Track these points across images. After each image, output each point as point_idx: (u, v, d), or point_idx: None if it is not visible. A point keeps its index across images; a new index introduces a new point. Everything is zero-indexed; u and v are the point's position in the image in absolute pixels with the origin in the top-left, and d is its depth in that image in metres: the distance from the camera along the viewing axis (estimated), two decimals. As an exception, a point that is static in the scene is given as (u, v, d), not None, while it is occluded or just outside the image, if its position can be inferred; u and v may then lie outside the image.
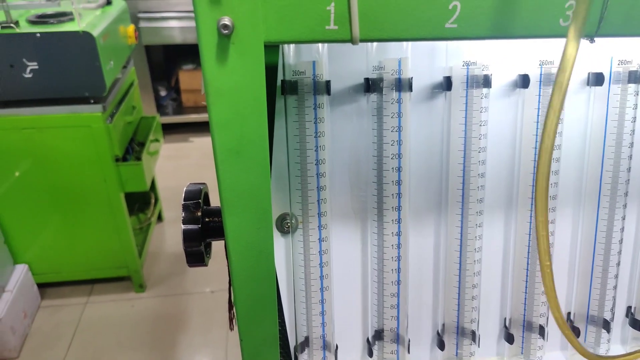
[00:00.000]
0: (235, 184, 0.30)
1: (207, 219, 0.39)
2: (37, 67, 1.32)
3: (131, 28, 1.65)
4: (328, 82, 0.36)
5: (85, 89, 1.37)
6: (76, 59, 1.33)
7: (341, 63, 0.37)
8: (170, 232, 2.00)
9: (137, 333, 1.55)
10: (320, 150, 0.36)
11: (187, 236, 0.37)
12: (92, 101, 1.39)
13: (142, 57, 2.36)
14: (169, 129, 2.52)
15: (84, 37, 1.30)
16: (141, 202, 1.91)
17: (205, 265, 0.41)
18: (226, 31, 0.25)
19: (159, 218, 2.01)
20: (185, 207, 0.37)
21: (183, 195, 0.39)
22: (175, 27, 2.26)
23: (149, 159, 1.64)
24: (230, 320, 0.47)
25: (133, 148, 1.64)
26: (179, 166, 2.32)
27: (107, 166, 1.45)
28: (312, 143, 0.36)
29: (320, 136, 0.36)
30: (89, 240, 1.57)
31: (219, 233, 0.40)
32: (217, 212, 0.41)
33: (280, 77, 0.35)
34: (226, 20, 0.25)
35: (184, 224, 0.37)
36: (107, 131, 1.40)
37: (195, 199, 0.38)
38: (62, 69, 1.33)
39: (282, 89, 0.36)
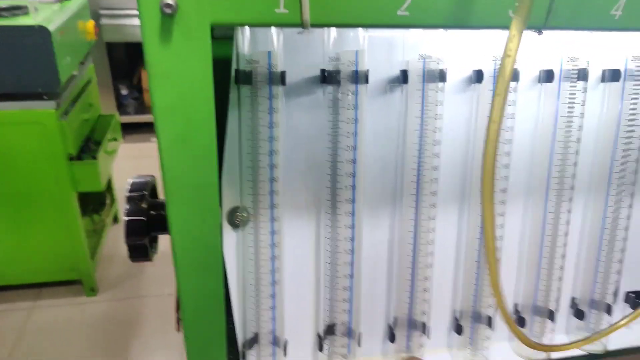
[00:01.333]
0: (180, 174, 0.29)
1: (152, 212, 0.38)
2: (-13, 60, 1.25)
3: (90, 24, 1.60)
4: (283, 73, 0.35)
5: (39, 84, 1.31)
6: (30, 54, 1.27)
7: (297, 54, 0.36)
8: (127, 234, 1.94)
9: (87, 338, 1.48)
10: (273, 141, 0.35)
11: (131, 229, 0.36)
12: (45, 97, 1.33)
13: (103, 54, 2.28)
14: (130, 129, 2.45)
15: (39, 32, 1.24)
16: (96, 202, 1.84)
17: (150, 260, 0.39)
18: (169, 10, 0.24)
19: (115, 220, 1.94)
20: (129, 199, 0.36)
21: (128, 187, 0.37)
22: (138, 25, 2.20)
23: (105, 158, 1.58)
24: (178, 320, 0.45)
25: (89, 147, 1.58)
26: (139, 166, 2.26)
27: (60, 165, 1.39)
28: (265, 134, 0.35)
29: (274, 127, 0.35)
30: (37, 241, 1.49)
31: (165, 227, 0.39)
32: (164, 205, 0.39)
33: (234, 66, 0.34)
34: (169, 0, 0.24)
35: (126, 216, 0.36)
36: (60, 128, 1.34)
37: (141, 191, 0.37)
38: (15, 64, 1.27)
39: (235, 78, 0.35)
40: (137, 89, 2.55)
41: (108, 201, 1.83)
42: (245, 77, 0.34)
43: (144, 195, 0.36)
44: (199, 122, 0.27)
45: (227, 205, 0.37)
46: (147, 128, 2.51)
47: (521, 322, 0.43)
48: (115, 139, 1.72)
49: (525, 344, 0.32)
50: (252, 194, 0.36)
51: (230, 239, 0.38)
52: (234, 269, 0.38)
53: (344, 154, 0.36)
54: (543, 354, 0.43)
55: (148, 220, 0.36)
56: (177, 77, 0.26)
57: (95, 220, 1.80)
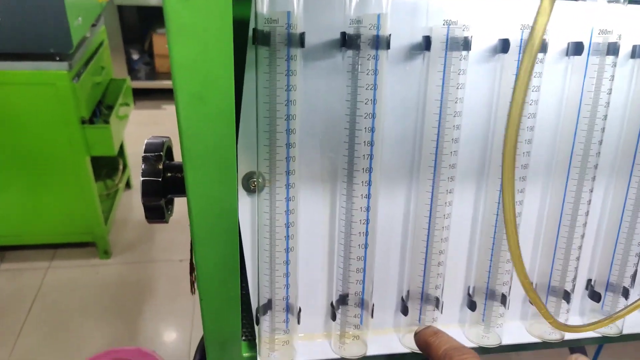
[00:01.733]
0: (197, 133, 0.28)
1: (169, 174, 0.37)
2: (0, 19, 1.24)
3: (102, -16, 1.57)
4: (302, 34, 0.34)
5: (51, 45, 1.30)
6: (42, 13, 1.26)
7: (317, 16, 0.35)
8: (138, 199, 1.96)
9: (101, 299, 1.52)
10: (291, 105, 0.34)
11: (147, 189, 0.36)
12: (57, 58, 1.33)
13: (115, 17, 2.26)
14: (141, 95, 2.44)
15: (50, -11, 1.23)
16: (109, 167, 1.86)
17: (166, 222, 0.39)
18: (190, -43, 0.23)
19: (128, 185, 1.96)
20: (145, 159, 0.35)
21: (144, 147, 0.37)
22: (150, -13, 2.16)
23: (117, 122, 1.58)
24: (192, 283, 0.46)
25: (101, 111, 1.59)
26: (150, 133, 2.26)
27: (73, 128, 1.40)
28: (282, 97, 0.34)
29: (292, 90, 0.34)
30: (52, 203, 1.52)
31: (181, 189, 0.38)
32: (180, 168, 0.39)
33: (252, 26, 0.33)
34: (190, -54, 0.23)
35: (143, 176, 0.35)
36: (73, 90, 1.34)
37: (157, 151, 0.36)
38: (27, 23, 1.26)
39: (253, 38, 0.33)
40: (149, 54, 2.53)
41: (120, 167, 1.85)
42: (264, 38, 0.33)
43: (160, 156, 0.36)
44: (218, 80, 0.26)
45: (243, 170, 0.37)
46: (158, 94, 2.50)
47: (535, 299, 0.43)
48: (127, 104, 1.72)
49: (552, 324, 0.32)
50: (268, 159, 0.35)
51: (245, 204, 0.37)
52: (249, 235, 0.38)
53: (362, 121, 0.35)
54: (557, 334, 0.43)
55: (164, 181, 0.36)
56: (197, 30, 0.25)
57: (108, 185, 1.82)
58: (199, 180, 0.31)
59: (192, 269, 0.41)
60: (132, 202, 1.92)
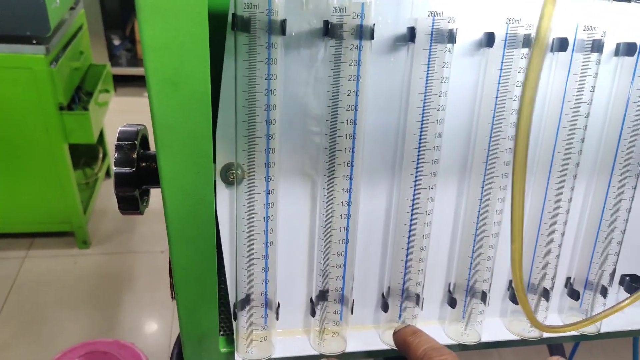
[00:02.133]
0: (171, 121, 0.27)
1: (143, 164, 0.36)
2: (-29, -2, 1.20)
3: (82, -35, 1.52)
4: (284, 21, 0.33)
5: (27, 27, 1.26)
6: (18, -6, 1.21)
7: (299, 2, 0.34)
8: (119, 189, 1.92)
9: (79, 290, 1.49)
10: (271, 94, 0.33)
11: (120, 180, 0.34)
12: (34, 42, 1.28)
13: (95, 1, 2.19)
14: (122, 82, 2.39)
15: (26, -31, 1.18)
16: (88, 156, 1.82)
17: (141, 213, 0.38)
18: None
19: (108, 174, 1.92)
20: (118, 148, 0.34)
21: (117, 135, 0.35)
22: (133, -29, 2.11)
23: (97, 109, 1.54)
24: (172, 287, 0.44)
25: (80, 97, 1.54)
26: (130, 121, 2.22)
27: (51, 114, 1.36)
28: (262, 86, 0.33)
29: (272, 79, 0.33)
30: (29, 192, 1.48)
31: (157, 180, 0.37)
32: (155, 157, 0.37)
33: (231, 10, 0.32)
34: None
35: (115, 166, 0.34)
36: (50, 75, 1.30)
37: (131, 140, 0.35)
38: (2, 4, 1.21)
39: (232, 24, 0.32)
40: (130, 40, 2.47)
41: (100, 155, 1.81)
42: (243, 23, 0.32)
43: (134, 145, 0.35)
44: (192, 64, 0.25)
45: (221, 161, 0.36)
46: (139, 81, 2.45)
47: (514, 300, 0.43)
48: (107, 91, 1.68)
49: (535, 325, 0.32)
50: (247, 151, 0.34)
51: (223, 196, 0.36)
52: (227, 228, 0.37)
53: (344, 113, 0.34)
54: (536, 332, 0.43)
55: (139, 171, 0.35)
56: (170, 11, 0.24)
57: (87, 173, 1.78)
58: (174, 170, 0.30)
59: (171, 270, 0.40)
60: (112, 192, 1.89)
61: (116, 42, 2.43)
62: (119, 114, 2.20)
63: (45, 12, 1.23)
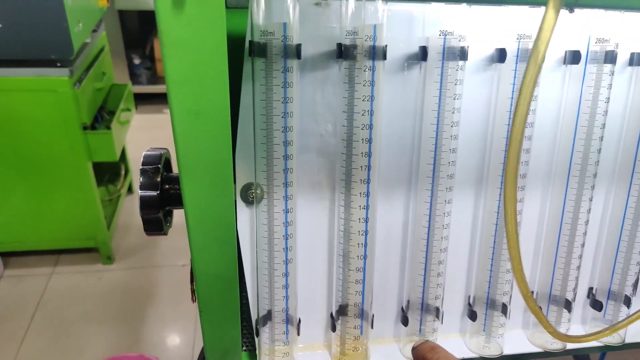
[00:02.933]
0: (193, 148, 0.28)
1: (167, 186, 0.37)
2: (0, 26, 1.25)
3: (103, -10, 1.58)
4: (299, 46, 0.34)
5: (52, 51, 1.30)
6: (42, 19, 1.26)
7: (313, 27, 0.35)
8: (141, 204, 1.96)
9: (104, 305, 1.52)
10: (288, 117, 0.34)
11: (145, 202, 0.36)
12: (59, 64, 1.33)
13: (116, 22, 2.26)
14: (142, 99, 2.45)
15: (51, -4, 1.23)
16: (111, 173, 1.86)
17: (165, 234, 0.39)
18: (183, -24, 0.23)
19: (130, 190, 1.97)
20: (143, 172, 0.35)
21: (141, 160, 0.37)
22: (150, -8, 2.17)
23: (119, 128, 1.59)
24: (192, 291, 0.46)
25: (103, 116, 1.59)
26: (151, 138, 2.27)
27: (75, 134, 1.40)
28: (279, 109, 0.34)
29: (289, 102, 0.34)
30: (55, 209, 1.52)
31: (180, 201, 0.38)
32: (178, 180, 0.39)
33: (248, 38, 0.33)
34: (183, -36, 0.23)
35: (141, 189, 0.35)
36: (74, 97, 1.35)
37: (155, 164, 0.36)
38: (27, 30, 1.27)
39: (249, 50, 0.33)
40: (150, 58, 2.53)
41: (122, 172, 1.85)
42: (260, 50, 0.33)
43: (158, 169, 0.36)
44: (213, 95, 0.26)
45: (241, 181, 0.37)
46: (159, 99, 2.50)
47: (535, 307, 0.43)
48: (128, 109, 1.73)
49: (553, 334, 0.32)
50: (265, 171, 0.35)
51: (244, 215, 0.37)
52: (248, 246, 0.38)
53: (359, 132, 0.35)
54: (559, 344, 0.43)
55: (162, 194, 0.36)
56: (191, 46, 0.25)
57: (110, 190, 1.83)
58: (196, 193, 0.31)
59: (192, 277, 0.41)
60: (134, 207, 1.93)
61: (136, 61, 2.50)
62: (140, 131, 2.25)
63: (69, 36, 1.28)
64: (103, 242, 1.62)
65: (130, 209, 1.92)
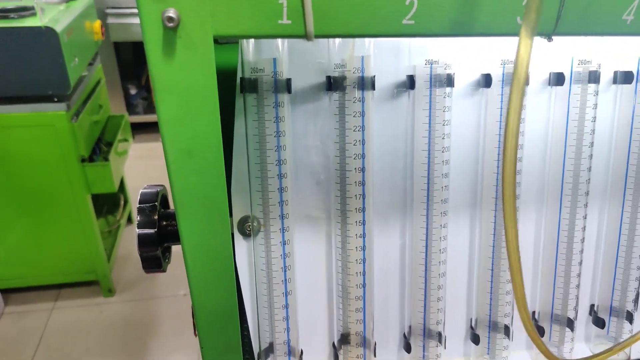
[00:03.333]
0: (188, 186, 0.29)
1: (164, 223, 0.38)
2: (-3, 64, 1.27)
3: (97, 24, 1.61)
4: (289, 80, 0.34)
5: (49, 87, 1.32)
6: (38, 56, 1.28)
7: (302, 61, 0.36)
8: (140, 234, 1.95)
9: (107, 339, 1.50)
10: (281, 150, 0.35)
11: (143, 241, 0.36)
12: (55, 100, 1.34)
13: (111, 54, 2.29)
14: (140, 129, 2.46)
15: (47, 33, 1.25)
16: (110, 203, 1.86)
17: (163, 271, 0.39)
18: (171, 24, 0.23)
19: (129, 220, 1.96)
20: (140, 210, 0.36)
21: (138, 197, 0.37)
22: (145, 24, 2.20)
23: (117, 159, 1.59)
24: (194, 325, 0.45)
25: (100, 148, 1.60)
26: (149, 166, 2.27)
27: (73, 167, 1.40)
28: (272, 143, 0.34)
29: (281, 136, 0.35)
30: (54, 243, 1.52)
31: (178, 237, 0.38)
32: (175, 216, 0.39)
33: (239, 75, 0.34)
34: (171, 13, 0.23)
35: (138, 227, 0.36)
36: (71, 131, 1.36)
37: (152, 202, 0.37)
38: (23, 66, 1.28)
39: (240, 87, 0.34)
40: (146, 88, 2.56)
41: (122, 202, 1.85)
42: (251, 86, 0.34)
43: (155, 206, 0.36)
44: (205, 135, 0.27)
45: (238, 214, 0.37)
46: (156, 127, 2.52)
47: (540, 331, 0.43)
48: (125, 140, 1.74)
49: (546, 356, 0.32)
50: (261, 204, 0.36)
51: (241, 248, 0.38)
52: (247, 279, 0.38)
53: (352, 162, 0.36)
54: (561, 364, 0.43)
55: (160, 231, 0.36)
56: (182, 90, 0.26)
57: (109, 221, 1.82)
58: (193, 229, 0.32)
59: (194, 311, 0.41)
60: (133, 238, 1.92)
61: (132, 91, 2.52)
62: (137, 160, 2.26)
63: (66, 71, 1.29)
64: (103, 275, 1.61)
65: (129, 240, 1.91)
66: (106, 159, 1.50)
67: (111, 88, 2.17)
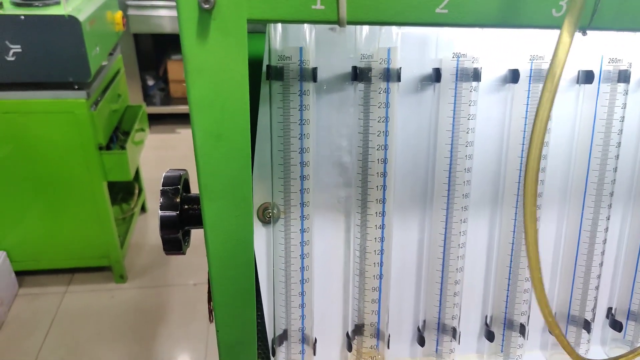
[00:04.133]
0: (214, 169, 0.29)
1: (186, 206, 0.38)
2: (20, 50, 1.29)
3: (119, 14, 1.62)
4: (315, 69, 0.35)
5: (70, 74, 1.34)
6: (61, 44, 1.30)
7: (329, 51, 0.36)
8: (153, 223, 1.97)
9: (117, 324, 1.53)
10: (304, 138, 0.35)
11: (165, 223, 0.36)
12: (76, 87, 1.36)
13: (130, 45, 2.32)
14: (156, 120, 2.49)
15: (70, 22, 1.27)
16: (125, 192, 1.88)
17: (183, 253, 0.39)
18: (207, 6, 0.24)
19: (143, 209, 1.98)
20: (163, 193, 0.36)
21: (162, 180, 0.37)
22: (164, 16, 2.22)
23: (133, 148, 1.61)
24: (210, 312, 0.46)
25: (117, 137, 1.62)
26: (164, 157, 2.29)
27: (91, 154, 1.42)
28: (296, 130, 0.35)
29: (305, 124, 0.35)
30: (69, 228, 1.54)
31: (198, 221, 0.39)
32: (197, 200, 0.39)
33: (265, 62, 0.34)
34: (207, -5, 0.24)
35: (161, 209, 0.36)
36: (91, 118, 1.37)
37: (175, 185, 0.37)
38: (46, 53, 1.30)
39: (267, 74, 0.34)
40: (163, 80, 2.58)
41: (136, 191, 1.87)
42: (277, 73, 0.34)
43: (178, 189, 0.37)
44: (234, 117, 0.27)
45: (258, 201, 0.37)
46: (172, 119, 2.54)
47: (553, 328, 0.42)
48: (142, 130, 1.75)
49: (570, 355, 0.31)
50: (282, 192, 0.36)
51: (260, 235, 0.38)
52: (264, 266, 0.39)
53: (374, 153, 0.36)
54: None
55: (182, 214, 0.37)
56: (214, 72, 0.26)
57: (124, 209, 1.85)
58: (216, 213, 0.32)
59: (210, 297, 0.42)
60: (147, 226, 1.94)
61: (150, 82, 2.54)
62: (153, 151, 2.28)
63: (87, 59, 1.31)
64: (116, 261, 1.63)
65: (143, 228, 1.94)
66: (123, 148, 1.52)
67: (130, 79, 2.19)
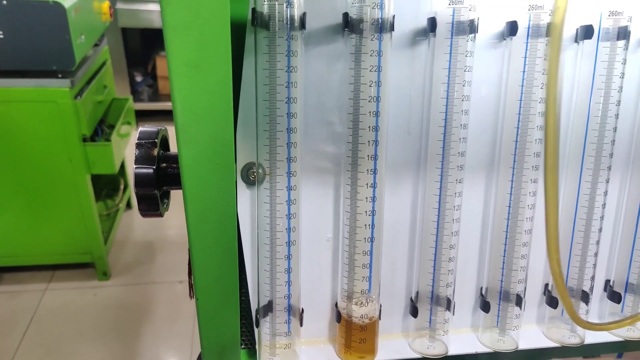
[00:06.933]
0: (192, 105, 0.27)
1: (164, 164, 0.36)
2: (2, 36, 1.25)
3: (106, 5, 1.60)
4: (303, 15, 0.33)
5: (54, 62, 1.30)
6: (45, 30, 1.27)
7: (318, 1, 0.34)
8: (139, 220, 1.93)
9: (99, 322, 1.48)
10: (292, 87, 0.33)
11: (140, 179, 0.34)
12: (60, 75, 1.33)
13: (118, 39, 2.28)
14: (144, 116, 2.45)
15: (55, 8, 1.24)
16: (110, 187, 1.84)
17: (161, 215, 0.37)
18: None
19: (128, 205, 1.94)
20: (139, 146, 0.34)
21: (137, 135, 0.35)
22: (154, 11, 2.19)
23: (119, 141, 1.57)
24: (191, 286, 0.43)
25: (103, 130, 1.58)
26: (151, 154, 2.26)
27: (74, 145, 1.39)
28: (283, 78, 0.32)
29: (293, 71, 0.33)
30: (51, 223, 1.49)
31: (177, 181, 0.36)
32: (176, 159, 0.37)
33: (251, 5, 0.32)
34: None
35: (136, 164, 0.33)
36: (74, 108, 1.34)
37: (152, 139, 0.35)
38: (29, 40, 1.27)
39: (252, 19, 0.32)
40: (152, 76, 2.55)
41: (122, 186, 1.83)
42: (263, 18, 0.32)
43: (155, 143, 0.34)
44: (214, 45, 0.25)
45: (242, 161, 0.35)
46: (160, 116, 2.50)
47: (553, 303, 0.40)
48: (129, 123, 1.72)
49: (576, 322, 0.30)
50: (268, 145, 0.34)
51: (244, 197, 0.36)
52: (248, 229, 0.36)
53: (366, 105, 0.34)
54: (577, 338, 0.40)
55: (159, 171, 0.34)
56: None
57: (108, 205, 1.80)
58: (195, 161, 0.30)
59: (190, 271, 0.39)
60: (132, 222, 1.90)
61: (138, 78, 2.51)
62: (139, 148, 2.24)
63: (71, 47, 1.28)
64: (99, 258, 1.58)
65: (128, 225, 1.89)
66: (108, 140, 1.48)
67: (117, 74, 2.15)
